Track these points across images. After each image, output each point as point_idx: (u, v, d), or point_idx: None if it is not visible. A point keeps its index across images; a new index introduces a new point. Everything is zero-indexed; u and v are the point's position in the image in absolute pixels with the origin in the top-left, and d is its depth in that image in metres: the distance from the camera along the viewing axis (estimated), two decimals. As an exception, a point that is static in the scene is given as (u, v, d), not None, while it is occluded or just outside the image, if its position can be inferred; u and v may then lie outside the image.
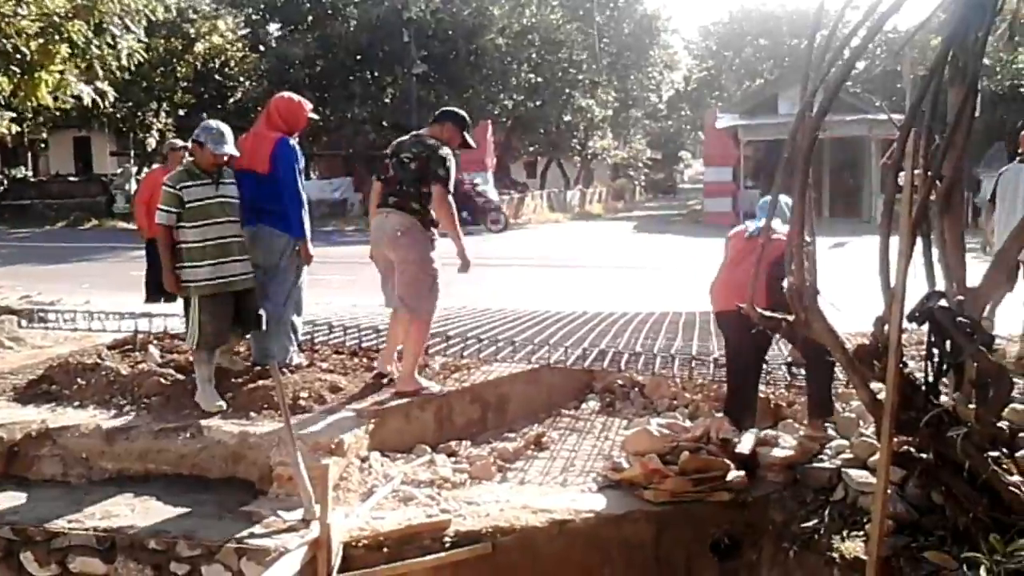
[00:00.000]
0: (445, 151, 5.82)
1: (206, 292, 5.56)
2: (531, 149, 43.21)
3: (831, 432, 5.24)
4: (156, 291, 10.21)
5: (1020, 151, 7.85)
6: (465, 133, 6.06)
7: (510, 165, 41.08)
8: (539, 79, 37.22)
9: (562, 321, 8.23)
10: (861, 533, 4.38)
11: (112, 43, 10.70)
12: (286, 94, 6.37)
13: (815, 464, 4.99)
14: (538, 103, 38.13)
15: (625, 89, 46.30)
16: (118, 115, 30.60)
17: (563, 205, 38.07)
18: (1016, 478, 4.17)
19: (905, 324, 4.32)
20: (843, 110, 24.91)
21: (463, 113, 6.19)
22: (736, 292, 5.17)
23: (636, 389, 6.80)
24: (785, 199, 5.17)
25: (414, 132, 6.10)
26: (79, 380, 6.10)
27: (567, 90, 39.08)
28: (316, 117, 6.31)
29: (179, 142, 10.58)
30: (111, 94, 11.21)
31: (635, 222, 32.55)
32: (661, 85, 54.27)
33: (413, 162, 5.79)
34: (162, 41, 29.14)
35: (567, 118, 40.19)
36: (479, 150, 29.67)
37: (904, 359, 4.52)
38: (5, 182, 34.55)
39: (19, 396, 6.11)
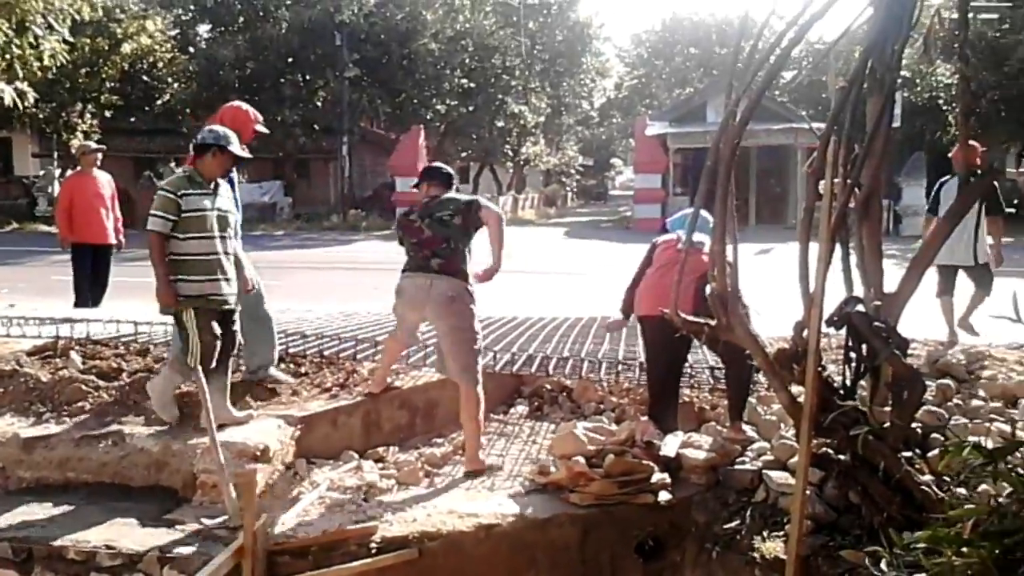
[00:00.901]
0: (473, 196, 5.92)
1: (200, 307, 5.20)
2: (464, 155, 43.21)
3: (752, 434, 5.36)
4: (84, 296, 10.14)
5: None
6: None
7: (443, 170, 40.94)
8: (472, 84, 37.29)
9: (491, 326, 8.25)
10: (781, 533, 4.48)
11: (34, 43, 10.44)
12: (236, 103, 6.21)
13: (737, 466, 5.10)
14: (471, 108, 38.19)
15: (558, 95, 46.59)
16: (41, 116, 29.82)
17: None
18: (928, 477, 4.32)
19: (824, 329, 4.44)
20: (769, 119, 25.41)
21: (450, 171, 6.13)
22: (662, 298, 5.25)
23: (564, 394, 6.86)
24: (705, 213, 5.26)
25: (431, 196, 5.77)
26: (-3, 387, 5.96)
27: (500, 96, 39.21)
28: (265, 131, 6.12)
29: (92, 144, 10.37)
30: (31, 95, 10.92)
31: (566, 228, 32.77)
32: (593, 92, 54.68)
33: (455, 216, 5.55)
34: (88, 41, 28.44)
35: (500, 124, 40.30)
36: (410, 155, 29.69)
37: (823, 363, 4.64)
38: None
39: (-68, 404, 5.94)
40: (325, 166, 36.50)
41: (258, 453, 4.93)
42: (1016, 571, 1.94)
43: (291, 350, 6.81)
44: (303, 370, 6.39)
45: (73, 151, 31.41)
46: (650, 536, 4.85)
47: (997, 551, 1.97)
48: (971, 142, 7.64)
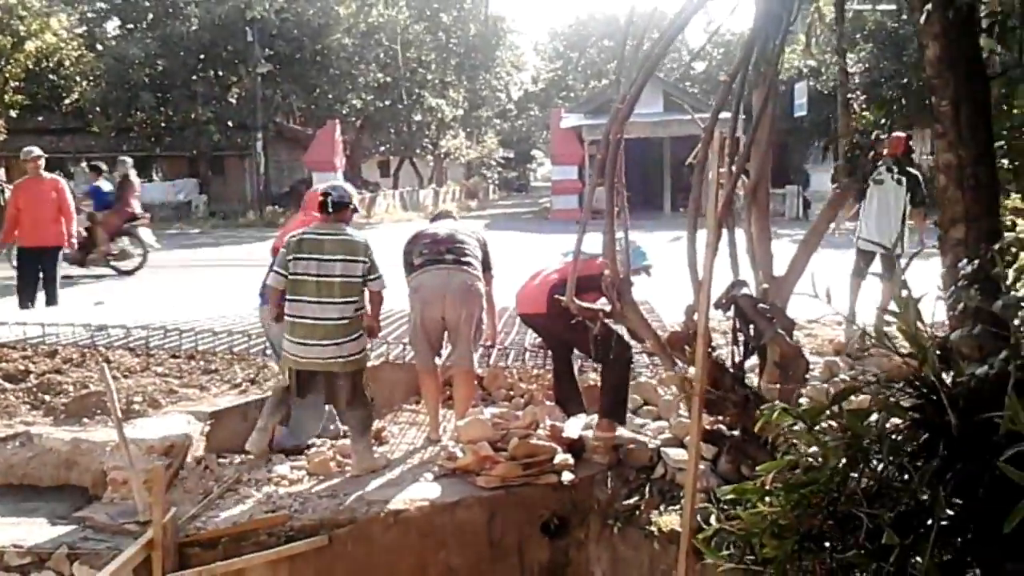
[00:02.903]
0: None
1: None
2: (383, 149, 43.08)
3: (621, 433, 5.34)
4: (29, 298, 10.15)
5: (885, 153, 8.04)
6: None
7: (362, 165, 40.83)
8: (388, 79, 37.18)
9: (404, 318, 8.35)
10: (678, 507, 4.69)
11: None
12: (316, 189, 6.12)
13: (637, 445, 5.31)
14: (388, 102, 38.09)
15: (474, 89, 46.67)
16: (-59, 116, 28.95)
17: (416, 204, 38.11)
18: (814, 449, 4.57)
19: (714, 312, 4.66)
20: (683, 110, 25.87)
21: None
22: (528, 297, 5.65)
23: (474, 382, 7.00)
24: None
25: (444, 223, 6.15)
26: (-102, 393, 5.89)
27: (417, 90, 39.18)
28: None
29: (36, 150, 10.41)
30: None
31: (487, 220, 32.90)
32: (509, 85, 54.91)
33: (472, 238, 5.91)
34: (-11, 39, 27.72)
35: (418, 117, 40.23)
36: (326, 150, 29.51)
37: (713, 344, 4.86)
38: None
39: None
40: (240, 163, 36.03)
41: (167, 449, 4.98)
42: (810, 516, 2.17)
43: (200, 347, 6.83)
44: (213, 367, 6.43)
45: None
46: (555, 515, 5.03)
47: (794, 500, 2.19)
48: (898, 133, 7.95)
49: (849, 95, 5.38)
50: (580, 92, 53.79)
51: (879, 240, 7.58)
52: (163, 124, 32.72)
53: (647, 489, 4.96)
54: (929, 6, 3.27)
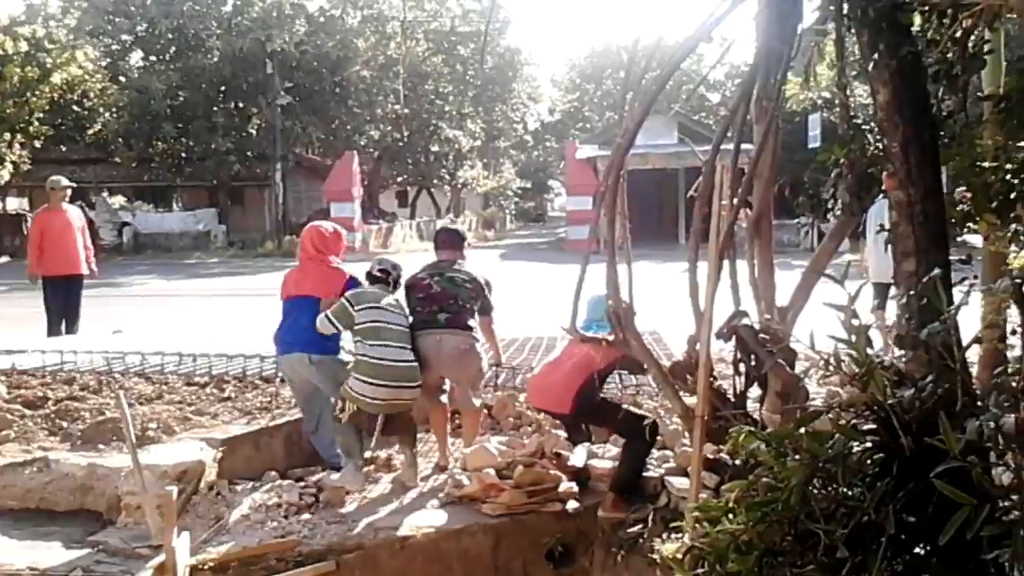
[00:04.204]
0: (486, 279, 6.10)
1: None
2: (400, 179, 43.44)
3: (632, 511, 5.19)
4: (57, 327, 10.35)
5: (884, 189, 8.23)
6: None
7: (379, 195, 41.19)
8: (406, 110, 37.59)
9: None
10: (681, 535, 4.76)
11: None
12: (314, 225, 6.31)
13: (643, 474, 5.37)
14: (406, 134, 38.48)
15: (492, 120, 47.07)
16: (-36, 146, 29.42)
17: (432, 234, 38.29)
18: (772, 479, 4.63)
19: (718, 342, 4.74)
20: (698, 141, 26.03)
21: (462, 231, 6.49)
22: (545, 393, 5.61)
23: (483, 411, 7.08)
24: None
25: (442, 260, 6.07)
26: (-79, 418, 6.03)
27: (434, 121, 39.56)
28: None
29: (64, 181, 10.69)
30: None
31: (503, 250, 33.12)
32: (526, 117, 55.32)
33: (469, 283, 5.88)
34: (16, 70, 28.19)
35: (435, 148, 40.62)
36: (344, 180, 29.82)
37: (715, 374, 4.94)
38: None
39: None
40: (259, 193, 36.43)
41: (180, 475, 5.09)
42: (772, 533, 2.26)
43: (214, 372, 6.97)
44: (227, 394, 6.56)
45: (12, 181, 31.14)
46: (559, 542, 5.09)
47: (756, 517, 2.28)
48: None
49: (863, 126, 5.45)
50: (596, 123, 54.11)
51: (879, 273, 7.70)
52: (184, 154, 33.14)
53: (651, 517, 5.02)
54: (876, 56, 3.44)
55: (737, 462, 4.88)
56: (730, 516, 2.38)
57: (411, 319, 5.72)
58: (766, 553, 2.27)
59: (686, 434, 5.66)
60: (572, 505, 5.12)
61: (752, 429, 2.46)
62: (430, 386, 5.77)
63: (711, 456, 4.88)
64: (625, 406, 5.37)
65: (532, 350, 8.14)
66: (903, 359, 2.87)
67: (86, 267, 10.74)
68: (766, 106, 4.97)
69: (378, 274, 5.79)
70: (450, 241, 6.21)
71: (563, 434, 5.80)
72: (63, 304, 10.61)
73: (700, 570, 2.46)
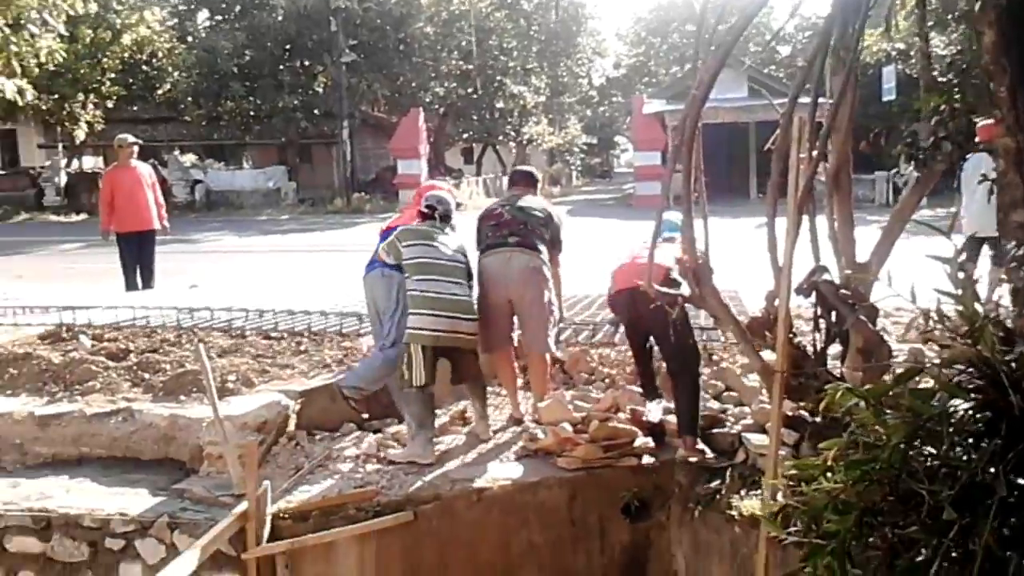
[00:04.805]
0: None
1: None
2: (465, 136, 43.36)
3: (708, 452, 5.22)
4: (133, 282, 10.61)
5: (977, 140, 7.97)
6: None
7: (445, 152, 41.18)
8: (470, 66, 37.39)
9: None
10: (759, 492, 4.71)
11: (30, 40, 10.68)
12: (429, 182, 6.45)
13: (718, 429, 5.33)
14: (470, 90, 38.29)
15: (556, 76, 46.64)
16: (44, 107, 30.03)
17: (499, 191, 38.21)
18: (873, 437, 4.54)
19: (796, 298, 4.66)
20: (769, 94, 25.49)
21: (534, 172, 6.56)
22: (632, 274, 5.48)
23: (556, 366, 7.07)
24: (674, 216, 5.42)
25: (514, 194, 6.17)
26: (11, 370, 6.22)
27: (499, 77, 39.31)
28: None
29: (130, 138, 10.87)
30: (30, 92, 11.19)
31: (569, 206, 32.92)
32: (591, 71, 54.74)
33: (540, 212, 5.92)
34: (88, 32, 28.66)
35: (500, 105, 40.38)
36: (411, 137, 29.83)
37: (794, 330, 4.86)
38: (-72, 176, 33.79)
39: (-49, 387, 6.21)
40: (327, 151, 36.69)
41: (260, 426, 5.19)
42: (872, 493, 2.20)
43: (290, 326, 7.07)
44: (303, 347, 6.65)
45: (87, 140, 31.82)
46: (636, 497, 5.08)
47: (856, 476, 2.23)
48: (986, 120, 7.71)
49: (941, 78, 5.27)
50: (663, 77, 53.28)
51: (978, 226, 7.44)
52: (252, 113, 33.44)
53: (728, 474, 4.98)
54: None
55: (817, 419, 4.84)
56: (827, 475, 2.32)
57: (482, 246, 5.80)
58: (865, 513, 2.21)
59: (763, 391, 5.60)
60: (648, 460, 5.10)
61: (849, 386, 2.39)
62: (496, 317, 5.71)
63: (790, 413, 4.81)
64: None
65: (600, 307, 8.08)
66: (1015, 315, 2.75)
67: (158, 223, 10.92)
68: (844, 56, 4.84)
69: (425, 210, 5.81)
70: (523, 179, 6.35)
71: (638, 389, 5.77)
72: (137, 260, 10.83)
73: (792, 528, 2.42)
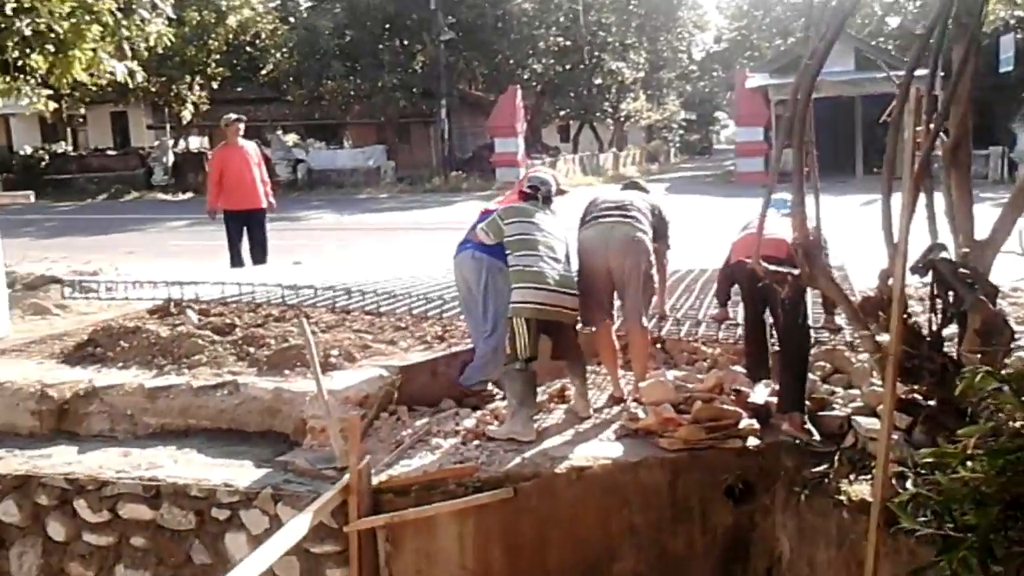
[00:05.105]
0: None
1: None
2: (563, 113, 43.15)
3: (815, 433, 5.07)
4: (238, 259, 10.90)
5: None
6: None
7: (542, 129, 41.10)
8: (568, 42, 37.16)
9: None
10: (868, 477, 4.55)
11: (140, 25, 10.97)
12: (537, 171, 6.53)
13: (827, 412, 5.17)
14: (568, 67, 38.07)
15: (656, 51, 46.01)
16: (153, 89, 31.00)
17: (596, 168, 38.06)
18: (1019, 423, 4.32)
19: (910, 277, 4.47)
20: (875, 67, 24.72)
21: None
22: (753, 246, 5.28)
23: (657, 345, 6.96)
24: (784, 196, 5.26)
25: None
26: (122, 343, 6.41)
27: (597, 53, 38.98)
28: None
29: (233, 115, 11.08)
30: (140, 74, 11.50)
31: (668, 184, 32.50)
32: (691, 46, 53.83)
33: (646, 203, 5.93)
34: (195, 15, 29.44)
35: (598, 81, 40.09)
36: (508, 115, 29.80)
37: (909, 310, 4.66)
38: (47, 157, 35.20)
39: (67, 358, 6.45)
40: (425, 129, 36.95)
41: (361, 400, 5.23)
42: (1016, 484, 2.06)
43: (391, 305, 7.12)
44: (403, 324, 6.69)
45: (193, 120, 32.74)
46: (739, 480, 4.96)
47: (998, 466, 2.08)
48: None
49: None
50: (765, 51, 52.08)
51: None
52: (352, 92, 33.84)
53: (836, 458, 4.82)
54: None
55: (931, 403, 4.65)
56: (966, 463, 2.18)
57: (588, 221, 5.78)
58: (1010, 506, 2.07)
59: (874, 373, 5.41)
60: (753, 442, 4.97)
61: (990, 370, 2.25)
62: (596, 288, 5.60)
63: (903, 396, 4.63)
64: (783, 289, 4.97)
65: (701, 292, 7.90)
66: None
67: (264, 201, 11.13)
68: (966, 23, 4.60)
69: (528, 190, 5.83)
70: (634, 186, 6.48)
71: (742, 370, 5.64)
72: (244, 238, 11.06)
73: (921, 519, 2.30)
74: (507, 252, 5.51)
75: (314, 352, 5.10)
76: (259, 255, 11.04)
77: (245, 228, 11.09)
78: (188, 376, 5.81)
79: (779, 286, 4.86)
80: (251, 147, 11.31)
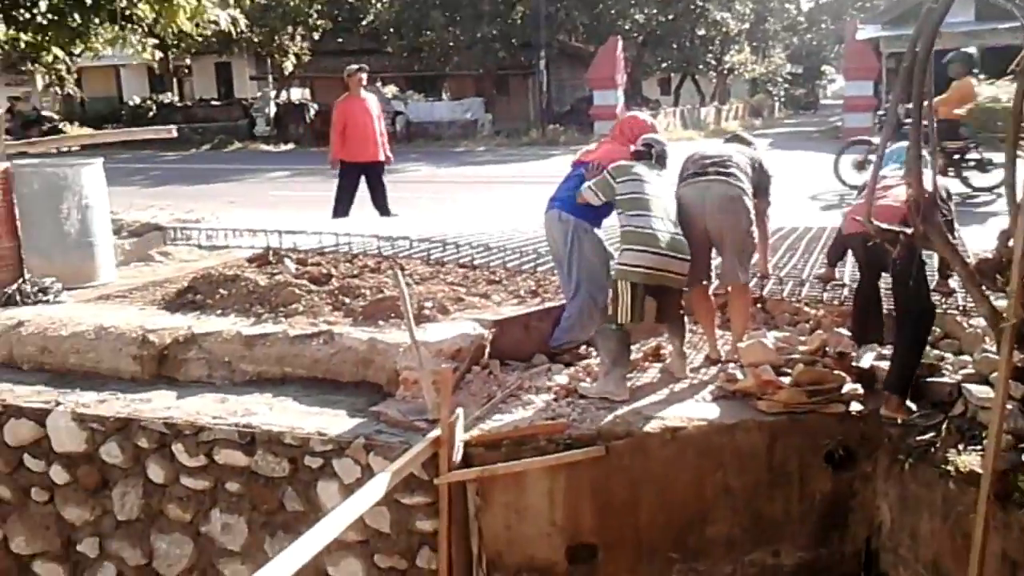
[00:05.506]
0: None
1: None
2: (664, 65, 42.34)
3: (915, 413, 4.79)
4: (344, 208, 11.02)
5: None
6: None
7: (643, 82, 40.42)
8: (671, -8, 36.35)
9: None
10: (979, 447, 4.35)
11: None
12: (634, 114, 6.39)
13: (935, 378, 4.95)
14: (670, 17, 37.24)
15: (762, 1, 44.70)
16: (256, 40, 31.45)
17: (697, 122, 37.30)
18: None
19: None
20: (997, 18, 23.59)
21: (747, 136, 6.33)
22: (868, 213, 5.04)
23: (758, 305, 6.77)
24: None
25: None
26: (221, 290, 6.51)
27: (701, 2, 37.99)
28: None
29: (354, 66, 11.15)
30: (243, 21, 11.63)
31: (771, 139, 31.68)
32: (800, -4, 52.21)
33: (747, 156, 5.72)
34: (298, -36, 29.75)
35: (701, 32, 39.17)
36: (608, 67, 29.32)
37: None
38: (154, 107, 36.16)
39: (168, 305, 6.59)
40: (524, 81, 36.73)
41: (454, 353, 5.20)
42: None
43: (485, 259, 7.08)
44: (497, 277, 6.64)
45: (295, 71, 33.19)
46: (840, 445, 4.80)
47: None
48: None
49: None
50: (877, 1, 50.13)
51: None
52: (451, 44, 33.77)
53: (944, 426, 4.62)
54: None
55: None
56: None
57: (680, 180, 5.58)
58: None
59: (987, 339, 5.16)
60: (856, 407, 4.79)
61: None
62: (694, 249, 5.35)
63: (1019, 364, 4.39)
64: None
65: (805, 251, 7.65)
66: None
67: (383, 154, 11.15)
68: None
69: (641, 148, 5.65)
70: (737, 139, 6.23)
71: (847, 332, 5.43)
72: (355, 190, 11.10)
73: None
74: (618, 211, 5.38)
75: (408, 303, 5.09)
76: (383, 207, 11.09)
77: (363, 180, 11.12)
78: (285, 325, 5.86)
79: (890, 246, 4.62)
80: (372, 99, 11.32)
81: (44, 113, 33.30)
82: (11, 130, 28.59)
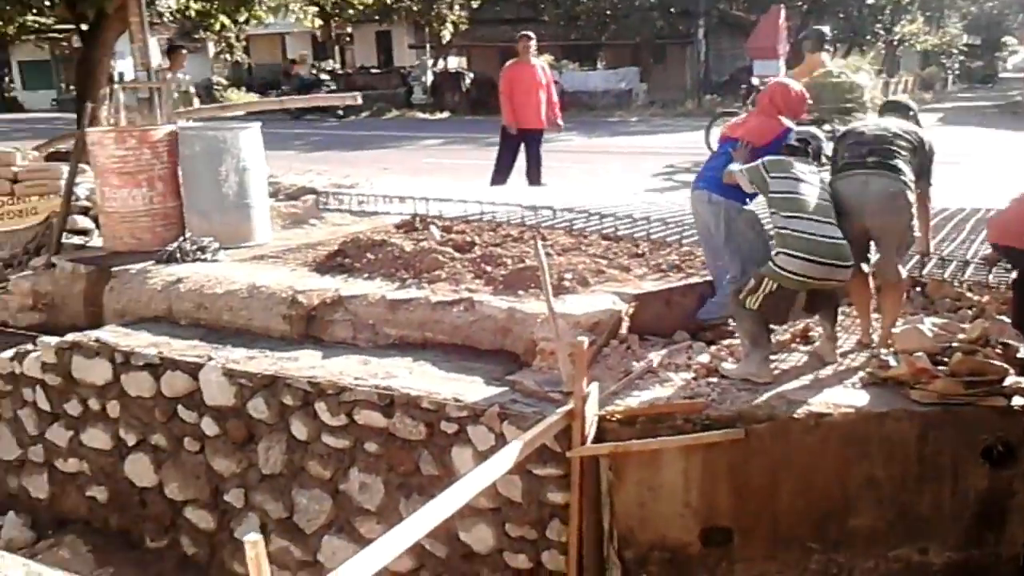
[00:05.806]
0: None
1: None
2: (830, 36, 40.71)
3: None
4: (504, 175, 11.13)
5: None
6: None
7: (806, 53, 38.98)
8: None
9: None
10: None
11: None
12: (784, 82, 5.98)
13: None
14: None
15: (939, -33, 42.45)
16: (415, 8, 31.93)
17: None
18: None
19: None
20: None
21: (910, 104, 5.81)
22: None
23: (917, 288, 6.43)
24: None
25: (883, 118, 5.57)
26: (368, 255, 6.65)
27: (876, -34, 36.36)
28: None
29: (527, 32, 11.18)
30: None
31: (941, 114, 30.08)
32: (982, -39, 49.20)
33: (908, 134, 5.22)
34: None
35: (870, 1, 37.41)
36: (769, 37, 28.38)
37: None
38: (317, 74, 37.27)
39: (318, 267, 6.79)
40: (681, 51, 36.01)
41: (592, 326, 5.15)
42: None
43: (628, 231, 6.96)
44: (640, 250, 6.53)
45: (452, 40, 33.59)
46: (1000, 441, 4.51)
47: None
48: None
49: None
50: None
51: None
52: (608, 12, 33.40)
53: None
54: None
55: None
56: None
57: (839, 165, 5.16)
58: None
59: None
60: (1019, 401, 4.47)
61: None
62: (851, 244, 4.97)
63: None
64: None
65: (971, 233, 7.21)
66: None
67: (547, 122, 11.12)
68: None
69: (796, 144, 5.23)
70: (895, 106, 5.67)
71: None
72: (515, 158, 11.12)
73: None
74: (771, 210, 5.04)
75: (547, 274, 5.06)
76: (536, 176, 11.10)
77: (522, 147, 11.13)
78: (427, 291, 5.94)
79: None
80: (540, 65, 11.30)
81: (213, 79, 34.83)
82: (288, 92, 30.13)
